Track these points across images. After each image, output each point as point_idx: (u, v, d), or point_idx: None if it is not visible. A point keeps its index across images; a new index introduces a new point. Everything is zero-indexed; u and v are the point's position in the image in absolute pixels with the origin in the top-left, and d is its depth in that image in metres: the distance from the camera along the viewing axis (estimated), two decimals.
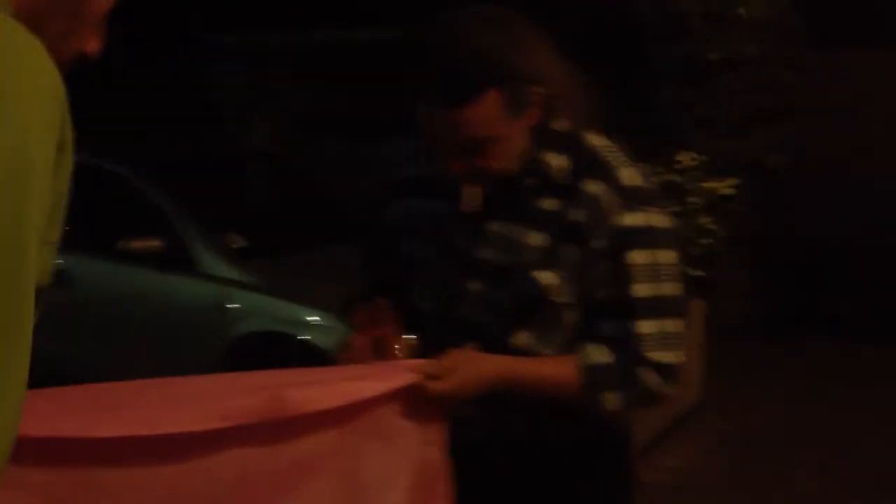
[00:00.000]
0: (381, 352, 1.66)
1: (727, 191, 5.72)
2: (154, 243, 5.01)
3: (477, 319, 1.71)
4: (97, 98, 5.02)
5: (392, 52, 5.15)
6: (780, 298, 7.01)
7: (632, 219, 1.66)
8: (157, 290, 5.17)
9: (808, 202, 7.37)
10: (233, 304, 4.95)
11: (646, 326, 1.67)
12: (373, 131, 7.87)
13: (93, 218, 5.23)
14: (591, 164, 1.69)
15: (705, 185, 5.67)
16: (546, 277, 1.67)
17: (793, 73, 6.74)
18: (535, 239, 1.68)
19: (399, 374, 1.56)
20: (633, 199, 1.68)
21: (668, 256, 1.69)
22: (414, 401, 1.56)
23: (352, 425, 1.51)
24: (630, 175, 1.70)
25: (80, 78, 1.12)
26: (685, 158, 5.70)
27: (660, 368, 1.67)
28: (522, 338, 1.70)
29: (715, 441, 5.29)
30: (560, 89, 1.69)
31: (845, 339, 6.72)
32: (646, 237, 1.67)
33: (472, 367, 1.61)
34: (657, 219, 1.69)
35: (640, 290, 1.66)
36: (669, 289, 1.69)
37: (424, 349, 1.73)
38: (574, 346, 1.69)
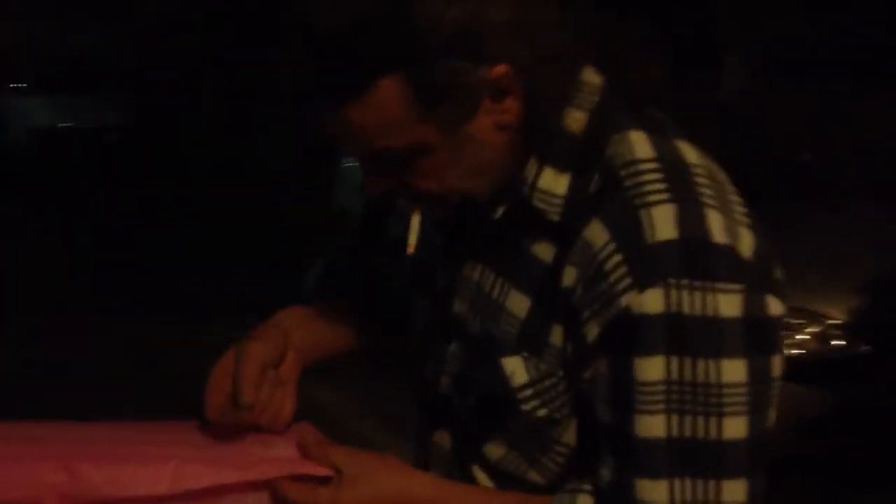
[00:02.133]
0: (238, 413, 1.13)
1: None
2: None
3: (452, 401, 1.13)
4: None
5: None
6: None
7: (643, 300, 0.91)
8: None
9: None
10: None
11: (651, 489, 0.94)
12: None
13: None
14: (605, 192, 0.97)
15: None
16: (515, 368, 1.03)
17: None
18: (520, 304, 1.03)
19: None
20: (658, 262, 0.91)
21: (721, 371, 0.91)
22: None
23: None
24: (667, 217, 0.91)
25: None
26: None
27: None
28: (497, 448, 1.09)
29: None
30: (569, 58, 1.00)
31: None
32: (667, 334, 0.91)
33: (370, 483, 1.04)
34: (698, 303, 0.90)
35: (648, 425, 0.93)
36: (706, 429, 0.92)
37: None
38: (568, 483, 1.03)
